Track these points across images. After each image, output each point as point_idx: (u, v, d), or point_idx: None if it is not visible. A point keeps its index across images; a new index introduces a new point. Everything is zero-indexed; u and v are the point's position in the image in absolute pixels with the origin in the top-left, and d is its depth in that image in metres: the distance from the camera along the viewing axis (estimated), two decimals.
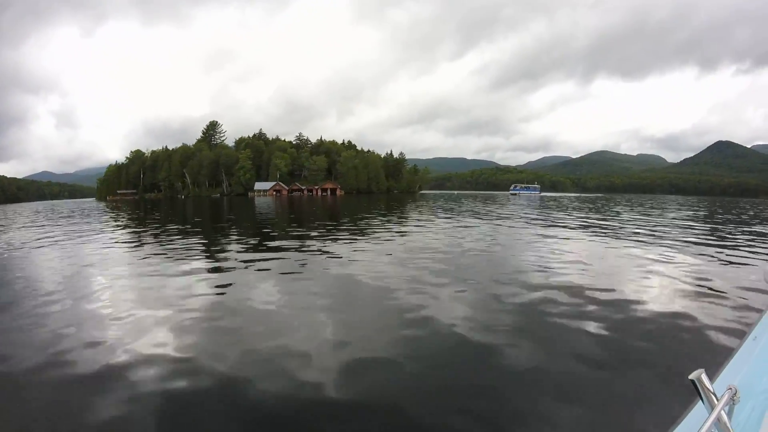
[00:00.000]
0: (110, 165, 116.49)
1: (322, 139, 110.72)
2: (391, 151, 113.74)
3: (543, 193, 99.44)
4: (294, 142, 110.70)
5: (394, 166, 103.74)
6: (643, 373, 3.06)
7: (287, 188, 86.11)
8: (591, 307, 4.62)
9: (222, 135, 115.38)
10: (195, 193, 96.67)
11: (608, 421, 2.54)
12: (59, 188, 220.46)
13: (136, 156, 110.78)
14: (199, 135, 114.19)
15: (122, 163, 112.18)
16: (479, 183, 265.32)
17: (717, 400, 0.93)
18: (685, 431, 1.06)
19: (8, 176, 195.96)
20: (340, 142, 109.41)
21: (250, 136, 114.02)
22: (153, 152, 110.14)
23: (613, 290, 5.38)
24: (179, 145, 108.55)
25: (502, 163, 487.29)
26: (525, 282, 5.87)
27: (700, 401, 0.97)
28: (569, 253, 8.42)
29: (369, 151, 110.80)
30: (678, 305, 4.74)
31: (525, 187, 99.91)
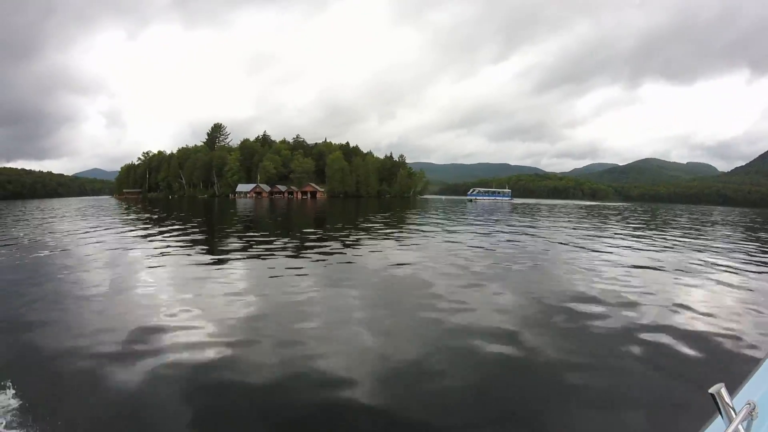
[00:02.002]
0: (123, 166, 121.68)
1: (323, 140, 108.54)
2: (391, 154, 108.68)
3: (524, 201, 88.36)
4: (292, 143, 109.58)
5: (389, 170, 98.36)
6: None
7: (268, 191, 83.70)
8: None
9: (226, 137, 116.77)
10: (189, 193, 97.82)
11: None
12: (101, 185, 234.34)
13: (147, 158, 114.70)
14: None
15: (132, 164, 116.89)
16: (515, 189, 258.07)
17: (735, 414, 0.92)
18: None
19: (55, 172, 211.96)
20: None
21: (253, 139, 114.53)
22: (159, 153, 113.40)
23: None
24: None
25: (548, 169, 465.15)
26: None
27: (719, 415, 0.95)
28: None
29: (368, 153, 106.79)
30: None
31: (491, 193, 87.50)
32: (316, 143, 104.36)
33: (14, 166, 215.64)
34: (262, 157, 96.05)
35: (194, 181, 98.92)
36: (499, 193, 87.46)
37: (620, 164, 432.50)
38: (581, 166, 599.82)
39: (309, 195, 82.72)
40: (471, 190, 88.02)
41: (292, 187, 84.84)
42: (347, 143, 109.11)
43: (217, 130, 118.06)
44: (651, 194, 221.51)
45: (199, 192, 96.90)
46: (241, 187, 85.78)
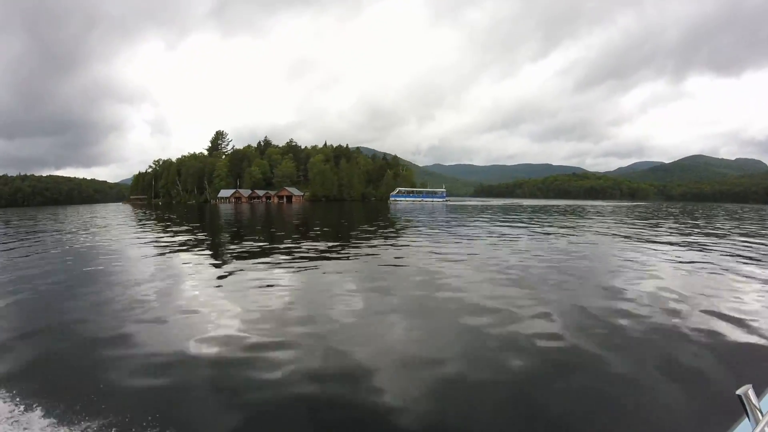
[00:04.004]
0: (135, 174, 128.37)
1: (325, 143, 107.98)
2: (384, 155, 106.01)
3: (482, 201, 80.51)
4: (292, 145, 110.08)
5: (376, 171, 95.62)
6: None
7: (247, 195, 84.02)
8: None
9: (227, 144, 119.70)
10: (185, 199, 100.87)
11: None
12: None
13: (157, 165, 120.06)
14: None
15: (142, 172, 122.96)
16: (551, 190, 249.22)
17: (762, 416, 0.91)
18: None
19: (101, 179, 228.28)
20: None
21: (255, 145, 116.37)
22: (164, 162, 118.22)
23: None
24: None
25: (592, 169, 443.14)
26: None
27: (746, 417, 0.94)
28: None
29: (360, 154, 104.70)
30: None
31: (417, 194, 78.26)
32: (305, 147, 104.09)
33: (62, 174, 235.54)
34: (251, 162, 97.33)
35: (188, 187, 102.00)
36: (428, 194, 79.17)
37: (666, 162, 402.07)
38: (625, 165, 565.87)
39: (285, 199, 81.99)
40: (395, 191, 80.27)
41: (269, 192, 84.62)
42: (342, 145, 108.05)
43: (219, 137, 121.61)
44: (694, 193, 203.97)
45: (192, 198, 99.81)
46: (223, 193, 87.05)
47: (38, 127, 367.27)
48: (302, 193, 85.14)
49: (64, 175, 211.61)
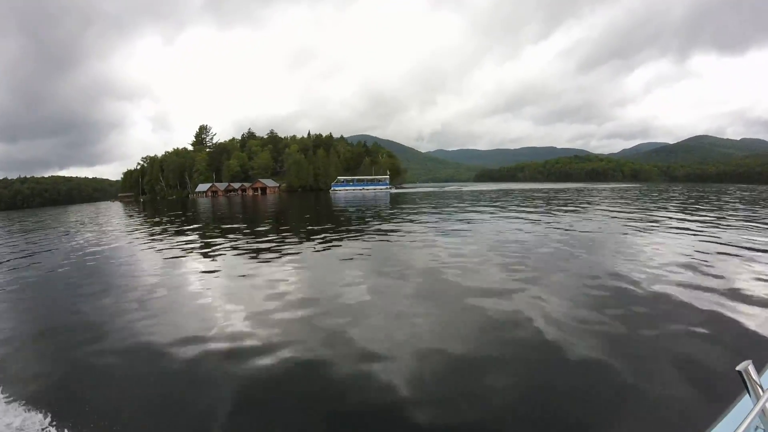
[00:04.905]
0: (125, 171, 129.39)
1: (308, 133, 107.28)
2: (365, 143, 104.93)
3: (444, 187, 77.29)
4: (272, 136, 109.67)
5: (354, 159, 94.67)
6: None
7: (223, 189, 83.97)
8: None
9: (211, 138, 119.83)
10: (169, 194, 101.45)
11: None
12: None
13: (146, 162, 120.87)
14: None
15: (129, 170, 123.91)
16: (552, 173, 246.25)
17: (763, 392, 0.91)
18: (730, 422, 1.03)
19: (103, 178, 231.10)
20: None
21: (238, 137, 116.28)
22: (150, 158, 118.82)
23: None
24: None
25: (597, 151, 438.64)
26: None
27: (747, 393, 0.95)
28: None
29: (342, 140, 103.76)
30: None
31: (357, 182, 74.76)
32: (285, 137, 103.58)
33: (66, 174, 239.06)
34: (230, 155, 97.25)
35: (171, 182, 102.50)
36: (370, 182, 75.71)
37: (671, 143, 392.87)
38: (630, 147, 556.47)
39: (259, 191, 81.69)
40: (335, 181, 76.91)
41: (245, 184, 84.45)
42: (325, 135, 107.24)
43: (202, 131, 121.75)
44: (698, 174, 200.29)
45: (175, 193, 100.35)
46: (201, 187, 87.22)
47: (40, 129, 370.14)
48: (277, 185, 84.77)
49: (68, 175, 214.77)
